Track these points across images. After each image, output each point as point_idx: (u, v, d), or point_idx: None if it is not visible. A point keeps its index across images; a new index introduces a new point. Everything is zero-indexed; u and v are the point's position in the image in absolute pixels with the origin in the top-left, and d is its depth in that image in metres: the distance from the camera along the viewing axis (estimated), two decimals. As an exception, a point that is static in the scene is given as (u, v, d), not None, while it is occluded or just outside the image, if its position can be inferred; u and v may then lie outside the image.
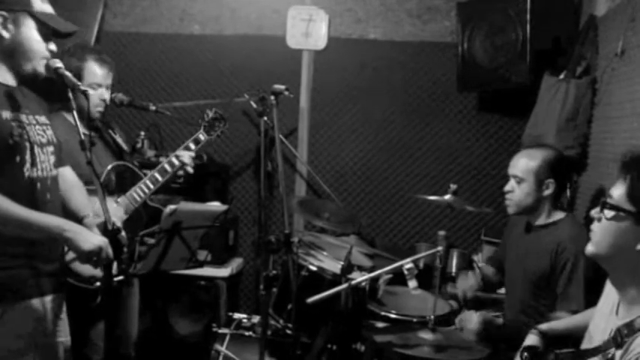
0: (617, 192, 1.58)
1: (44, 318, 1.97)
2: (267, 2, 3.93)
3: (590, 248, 1.66)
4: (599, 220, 1.62)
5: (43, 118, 2.04)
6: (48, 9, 1.95)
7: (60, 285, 2.08)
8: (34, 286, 1.93)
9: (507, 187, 2.49)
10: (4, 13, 1.85)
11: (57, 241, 2.03)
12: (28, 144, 1.90)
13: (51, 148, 2.02)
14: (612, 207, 1.57)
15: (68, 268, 2.24)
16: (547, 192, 2.42)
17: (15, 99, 1.93)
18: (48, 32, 1.94)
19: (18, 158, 1.87)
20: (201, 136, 2.82)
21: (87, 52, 2.52)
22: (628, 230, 1.55)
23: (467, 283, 2.69)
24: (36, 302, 1.94)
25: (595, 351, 1.63)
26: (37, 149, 1.94)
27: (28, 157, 1.90)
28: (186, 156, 2.72)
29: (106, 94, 2.56)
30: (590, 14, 3.12)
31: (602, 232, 1.61)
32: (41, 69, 1.95)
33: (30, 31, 1.90)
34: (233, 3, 3.97)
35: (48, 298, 1.99)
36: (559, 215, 2.45)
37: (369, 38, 3.88)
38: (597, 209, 1.62)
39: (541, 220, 2.47)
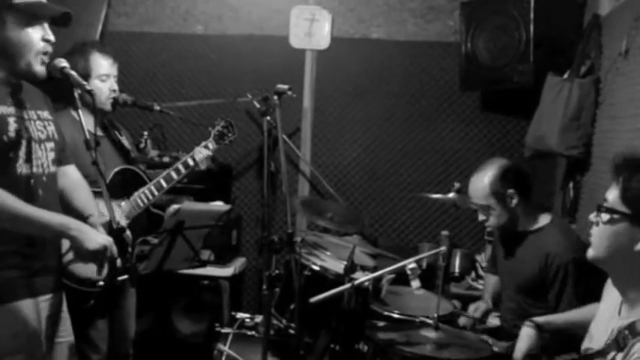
0: (612, 195, 1.59)
1: (38, 319, 1.92)
2: (270, 2, 3.93)
3: (590, 253, 1.67)
4: (597, 224, 1.62)
5: (45, 113, 2.01)
6: None
7: (57, 284, 2.05)
8: (26, 286, 1.89)
9: (480, 218, 2.52)
10: None
11: (54, 240, 2.01)
12: (24, 140, 1.87)
13: (51, 144, 1.99)
14: (607, 210, 1.58)
15: (64, 270, 2.24)
16: (514, 202, 2.43)
17: (16, 93, 1.89)
18: (39, 22, 1.85)
19: (12, 154, 1.83)
20: (210, 145, 2.83)
21: (88, 46, 2.57)
22: (624, 232, 1.55)
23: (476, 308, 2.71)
24: (27, 303, 1.89)
25: (596, 355, 1.63)
26: (34, 145, 1.90)
27: (22, 153, 1.86)
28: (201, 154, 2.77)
29: (115, 85, 2.59)
30: (594, 13, 3.11)
31: (599, 235, 1.62)
32: (38, 67, 1.86)
33: (15, 25, 1.80)
34: (236, 3, 3.97)
35: (42, 298, 1.95)
36: (544, 219, 2.46)
37: (372, 38, 3.88)
38: (594, 213, 1.63)
39: (526, 225, 2.48)
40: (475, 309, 2.74)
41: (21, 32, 1.82)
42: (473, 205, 2.51)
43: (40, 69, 1.88)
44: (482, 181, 2.45)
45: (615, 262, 1.61)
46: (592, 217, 1.64)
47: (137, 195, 2.59)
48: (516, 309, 2.49)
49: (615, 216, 1.56)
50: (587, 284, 2.21)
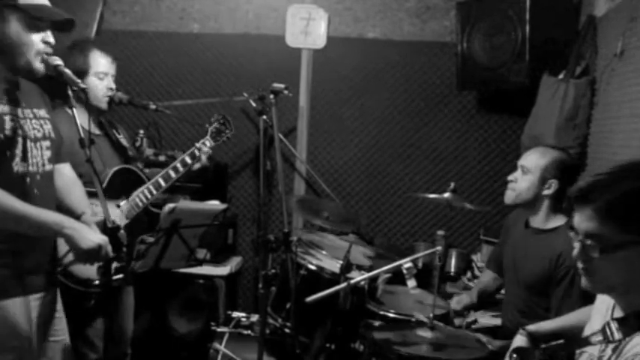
0: (602, 227, 1.42)
1: (28, 317, 1.91)
2: (266, 1, 3.92)
3: (593, 287, 1.53)
4: (590, 260, 1.47)
5: (42, 112, 2.01)
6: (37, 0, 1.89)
7: (50, 282, 2.04)
8: (17, 285, 1.88)
9: (512, 177, 2.53)
10: None
11: (46, 238, 2.00)
12: (20, 138, 1.87)
13: (47, 143, 1.99)
14: (612, 246, 1.40)
15: (64, 270, 2.23)
16: (547, 191, 2.43)
17: (12, 91, 1.90)
18: (42, 24, 1.88)
19: (8, 152, 1.84)
20: (208, 143, 2.83)
21: (89, 43, 2.61)
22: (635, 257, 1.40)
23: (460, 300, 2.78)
24: (18, 302, 1.88)
25: (581, 342, 1.62)
26: (29, 143, 1.91)
27: (19, 151, 1.87)
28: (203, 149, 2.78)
29: (113, 84, 2.61)
30: (590, 14, 3.12)
31: (607, 269, 1.45)
32: (37, 65, 1.90)
33: (18, 25, 1.84)
34: (232, 2, 3.96)
35: (33, 297, 1.94)
36: (559, 221, 2.45)
37: (369, 37, 3.88)
38: (579, 253, 1.48)
39: (540, 223, 2.48)
40: (457, 302, 2.78)
41: (23, 32, 1.85)
42: (519, 161, 2.52)
43: (39, 66, 1.91)
44: (546, 152, 2.48)
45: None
46: (578, 255, 1.50)
47: (136, 195, 2.58)
48: (521, 306, 2.49)
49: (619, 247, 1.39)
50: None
